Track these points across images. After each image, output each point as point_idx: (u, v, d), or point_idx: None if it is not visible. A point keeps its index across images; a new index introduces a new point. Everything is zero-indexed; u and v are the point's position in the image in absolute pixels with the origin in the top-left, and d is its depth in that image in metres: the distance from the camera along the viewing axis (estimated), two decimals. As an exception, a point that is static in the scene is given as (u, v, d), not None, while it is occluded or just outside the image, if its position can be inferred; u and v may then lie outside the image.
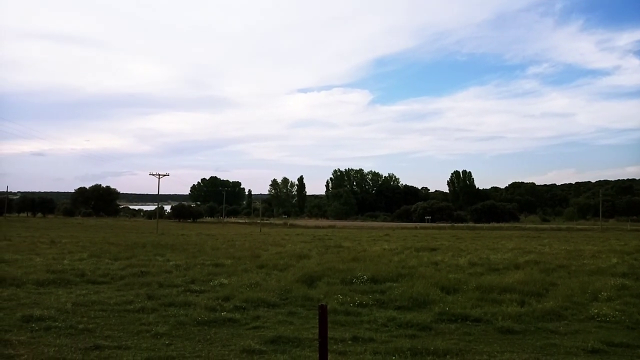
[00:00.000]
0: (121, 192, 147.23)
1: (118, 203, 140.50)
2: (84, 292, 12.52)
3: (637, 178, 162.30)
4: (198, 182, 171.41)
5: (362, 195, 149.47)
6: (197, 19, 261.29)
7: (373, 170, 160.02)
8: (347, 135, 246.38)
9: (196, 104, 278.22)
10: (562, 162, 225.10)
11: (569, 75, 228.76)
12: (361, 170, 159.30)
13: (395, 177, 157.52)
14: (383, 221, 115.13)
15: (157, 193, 66.44)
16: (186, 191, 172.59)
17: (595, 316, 10.00)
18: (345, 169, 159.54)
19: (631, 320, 9.64)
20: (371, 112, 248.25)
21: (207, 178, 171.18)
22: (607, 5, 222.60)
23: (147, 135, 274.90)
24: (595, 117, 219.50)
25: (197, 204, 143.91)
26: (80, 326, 8.78)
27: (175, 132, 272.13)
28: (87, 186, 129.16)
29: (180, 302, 11.04)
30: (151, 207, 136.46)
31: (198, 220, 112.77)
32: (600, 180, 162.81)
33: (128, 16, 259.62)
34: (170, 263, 18.95)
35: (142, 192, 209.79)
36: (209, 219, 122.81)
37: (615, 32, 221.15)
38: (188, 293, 12.45)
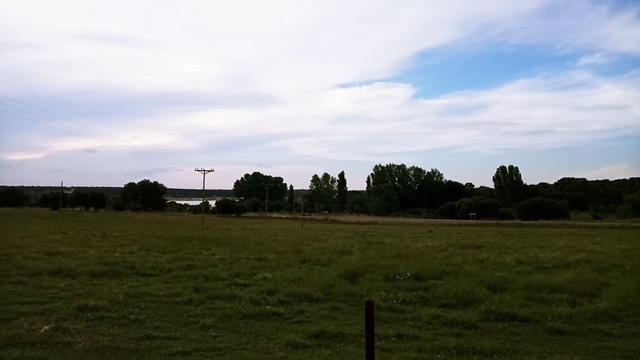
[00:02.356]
0: (168, 187, 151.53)
1: (165, 198, 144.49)
2: (134, 284, 12.99)
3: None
4: (241, 177, 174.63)
5: (404, 191, 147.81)
6: (239, 17, 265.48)
7: (415, 166, 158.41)
8: (388, 130, 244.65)
9: (239, 100, 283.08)
10: (616, 157, 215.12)
11: (624, 66, 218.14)
12: (403, 165, 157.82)
13: (438, 172, 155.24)
14: (426, 218, 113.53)
15: (202, 188, 68.00)
16: (230, 186, 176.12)
17: (653, 319, 9.52)
18: (387, 165, 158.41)
19: (693, 324, 9.12)
20: (414, 107, 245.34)
21: (250, 174, 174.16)
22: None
23: (192, 131, 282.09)
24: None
25: (240, 199, 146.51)
26: (132, 316, 9.13)
27: (219, 128, 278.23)
28: (136, 182, 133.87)
29: (225, 295, 11.27)
30: (197, 202, 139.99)
31: (241, 215, 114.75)
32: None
33: (173, 16, 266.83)
34: (216, 257, 19.35)
35: (188, 188, 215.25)
36: (252, 214, 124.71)
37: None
38: (233, 286, 12.68)
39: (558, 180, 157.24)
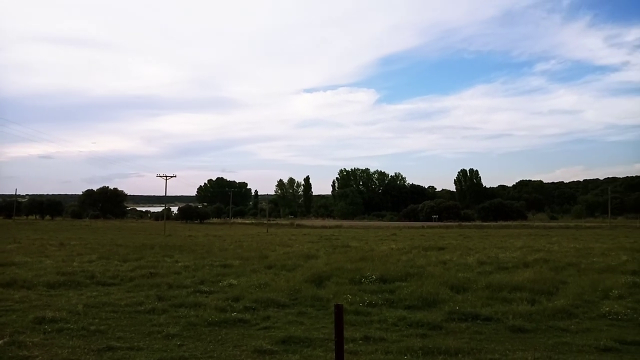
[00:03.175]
0: (128, 193, 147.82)
1: (125, 205, 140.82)
2: (94, 293, 12.59)
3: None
4: (205, 183, 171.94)
5: (369, 194, 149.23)
6: (203, 20, 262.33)
7: (379, 170, 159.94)
8: (353, 134, 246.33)
9: (203, 104, 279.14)
10: (570, 160, 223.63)
11: (577, 72, 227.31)
12: (367, 169, 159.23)
13: (401, 176, 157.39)
14: (390, 220, 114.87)
15: (164, 194, 66.73)
16: (193, 192, 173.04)
17: (607, 314, 9.94)
18: (352, 169, 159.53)
19: (643, 318, 9.57)
20: (377, 111, 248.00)
21: (214, 179, 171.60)
22: (615, 0, 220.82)
23: (154, 136, 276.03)
24: (603, 113, 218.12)
25: (203, 205, 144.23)
26: (92, 327, 8.84)
27: (182, 133, 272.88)
28: (95, 188, 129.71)
29: (190, 303, 11.08)
30: (158, 209, 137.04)
31: (205, 221, 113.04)
32: (608, 178, 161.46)
33: (135, 18, 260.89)
34: (179, 264, 19.00)
35: (149, 194, 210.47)
36: (215, 220, 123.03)
37: (624, 27, 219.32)
38: (198, 294, 12.49)
39: (516, 183, 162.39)
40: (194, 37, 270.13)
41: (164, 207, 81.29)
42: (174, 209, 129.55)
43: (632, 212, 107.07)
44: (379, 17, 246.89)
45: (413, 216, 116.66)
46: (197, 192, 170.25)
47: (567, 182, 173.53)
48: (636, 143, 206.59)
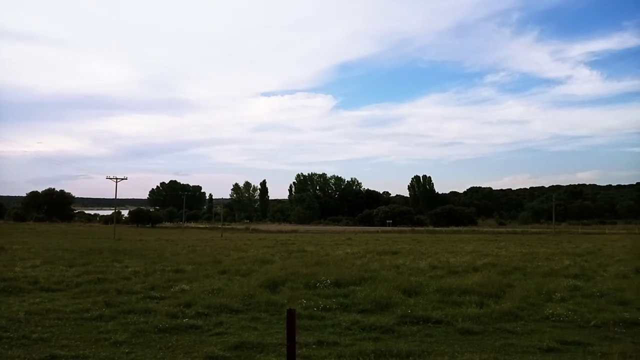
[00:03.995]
0: (76, 196, 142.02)
1: (73, 208, 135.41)
2: (37, 300, 12.05)
3: (587, 183, 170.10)
4: (157, 186, 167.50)
5: (325, 199, 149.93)
6: (158, 18, 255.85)
7: (336, 175, 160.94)
8: (310, 139, 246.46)
9: (156, 105, 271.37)
10: (518, 168, 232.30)
11: (525, 84, 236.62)
12: (324, 174, 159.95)
13: (357, 181, 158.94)
14: (345, 225, 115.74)
15: (114, 197, 64.62)
16: (145, 195, 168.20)
17: (550, 316, 10.38)
18: (309, 174, 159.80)
19: (583, 320, 10.06)
20: (335, 117, 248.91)
21: (167, 182, 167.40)
22: (560, 17, 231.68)
23: (104, 137, 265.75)
24: (548, 124, 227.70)
25: (156, 209, 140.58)
26: (34, 336, 8.45)
27: (134, 134, 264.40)
28: (40, 190, 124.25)
29: (139, 309, 10.79)
30: (108, 212, 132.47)
31: (157, 225, 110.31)
32: (553, 185, 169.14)
33: (86, 14, 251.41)
34: (129, 269, 18.48)
35: (98, 197, 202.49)
36: (168, 224, 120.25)
37: (568, 43, 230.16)
38: (148, 300, 12.20)
39: (467, 189, 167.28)
40: (148, 36, 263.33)
41: (113, 211, 78.64)
42: (125, 213, 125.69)
43: (575, 219, 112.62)
44: (337, 25, 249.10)
45: (368, 221, 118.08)
46: (149, 195, 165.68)
47: (515, 189, 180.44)
48: (578, 153, 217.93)
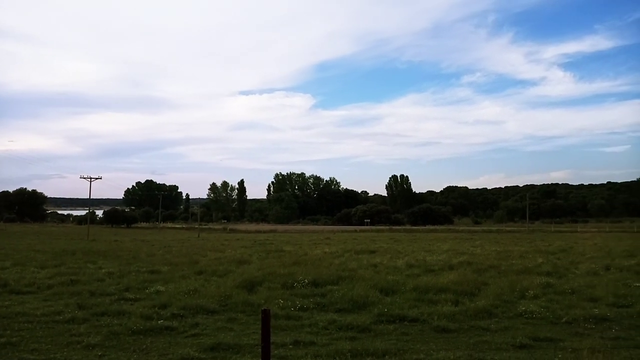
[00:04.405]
0: (49, 196, 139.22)
1: (45, 208, 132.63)
2: (6, 303, 11.72)
3: (560, 183, 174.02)
4: (132, 185, 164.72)
5: (304, 199, 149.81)
6: (133, 15, 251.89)
7: (315, 175, 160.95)
8: (289, 139, 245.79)
9: (132, 104, 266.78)
10: (493, 167, 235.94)
11: (500, 85, 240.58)
12: (303, 174, 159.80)
13: (336, 181, 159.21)
14: (324, 225, 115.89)
15: (88, 197, 63.40)
16: (120, 195, 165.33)
17: (523, 313, 10.57)
18: (287, 173, 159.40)
19: (554, 316, 10.28)
20: (313, 117, 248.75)
21: (143, 182, 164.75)
22: (535, 19, 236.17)
23: (78, 136, 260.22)
24: (523, 124, 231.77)
25: (131, 209, 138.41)
26: (3, 340, 8.23)
27: (109, 133, 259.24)
28: (11, 190, 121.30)
29: (113, 311, 10.61)
30: (82, 212, 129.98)
31: (132, 225, 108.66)
32: (527, 185, 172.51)
33: (59, 9, 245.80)
34: (103, 271, 18.16)
35: (72, 197, 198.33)
36: (144, 224, 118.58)
37: (542, 45, 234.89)
38: (122, 301, 12.02)
39: (443, 189, 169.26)
40: (124, 33, 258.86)
41: (87, 211, 77.14)
42: (99, 213, 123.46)
43: (548, 217, 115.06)
44: (316, 24, 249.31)
45: (346, 220, 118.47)
46: (124, 195, 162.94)
47: (490, 188, 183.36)
48: (551, 153, 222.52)
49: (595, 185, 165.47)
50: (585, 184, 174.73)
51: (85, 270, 18.21)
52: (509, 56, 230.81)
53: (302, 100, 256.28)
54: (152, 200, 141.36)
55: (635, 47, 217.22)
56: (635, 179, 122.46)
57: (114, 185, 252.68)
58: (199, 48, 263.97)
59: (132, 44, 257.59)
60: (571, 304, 11.45)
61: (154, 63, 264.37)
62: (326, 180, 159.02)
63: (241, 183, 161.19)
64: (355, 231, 77.79)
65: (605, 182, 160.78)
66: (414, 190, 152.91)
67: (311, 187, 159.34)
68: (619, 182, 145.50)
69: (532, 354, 7.66)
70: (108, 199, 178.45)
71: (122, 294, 13.08)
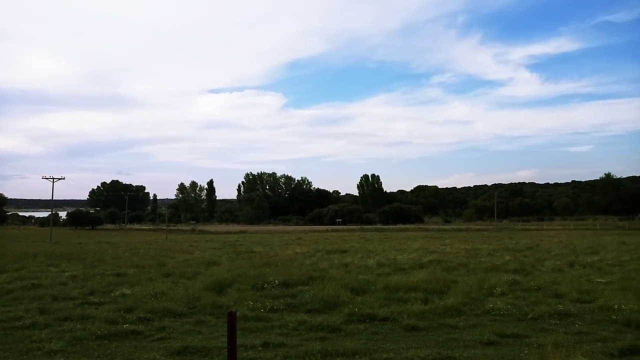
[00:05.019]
0: (9, 197, 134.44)
1: (6, 210, 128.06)
2: (-38, 309, 11.23)
3: (527, 182, 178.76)
4: (98, 186, 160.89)
5: (275, 199, 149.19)
6: (101, 10, 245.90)
7: (286, 174, 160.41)
8: (260, 138, 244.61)
9: (97, 102, 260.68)
10: (462, 167, 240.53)
11: (469, 85, 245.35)
12: (274, 173, 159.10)
13: (308, 180, 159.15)
14: (295, 225, 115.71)
15: (51, 198, 61.56)
16: (84, 196, 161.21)
17: (491, 310, 10.73)
18: (258, 173, 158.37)
19: (521, 313, 10.48)
20: (285, 116, 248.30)
21: (108, 182, 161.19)
22: (503, 21, 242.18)
23: (40, 135, 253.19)
24: (491, 124, 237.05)
25: (96, 210, 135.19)
26: (-43, 348, 7.85)
27: (73, 132, 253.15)
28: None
29: (77, 315, 10.31)
30: (44, 214, 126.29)
31: (98, 227, 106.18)
32: (495, 184, 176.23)
33: (21, 3, 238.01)
34: (66, 274, 17.64)
35: (34, 198, 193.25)
36: (109, 226, 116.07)
37: (510, 46, 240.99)
38: (86, 305, 11.68)
39: (414, 188, 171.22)
40: (90, 29, 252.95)
41: (50, 212, 74.90)
42: (63, 214, 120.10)
43: (515, 216, 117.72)
44: (287, 22, 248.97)
45: (318, 220, 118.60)
46: (89, 196, 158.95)
47: (460, 187, 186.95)
48: (519, 152, 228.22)
49: (561, 184, 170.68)
50: (550, 182, 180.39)
51: (48, 274, 17.68)
52: (477, 57, 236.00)
53: (274, 99, 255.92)
54: (118, 201, 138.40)
55: (598, 49, 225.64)
56: (598, 178, 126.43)
57: (78, 186, 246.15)
58: (167, 45, 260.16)
59: (99, 41, 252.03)
60: (537, 300, 11.70)
61: (120, 60, 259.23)
62: (298, 180, 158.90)
63: (210, 183, 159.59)
64: (327, 231, 77.94)
65: (570, 181, 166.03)
66: (385, 189, 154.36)
67: (282, 187, 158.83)
68: (583, 181, 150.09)
69: (499, 351, 7.77)
70: (72, 200, 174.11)
71: (86, 297, 12.73)
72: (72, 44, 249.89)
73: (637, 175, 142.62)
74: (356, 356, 7.45)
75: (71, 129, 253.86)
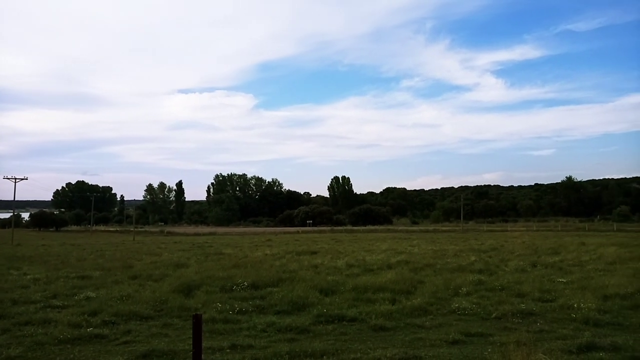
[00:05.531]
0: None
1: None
2: None
3: (492, 184, 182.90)
4: (62, 186, 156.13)
5: (245, 200, 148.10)
6: (66, 7, 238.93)
7: (257, 175, 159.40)
8: (230, 139, 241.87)
9: (62, 100, 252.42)
10: (430, 169, 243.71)
11: (437, 90, 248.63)
12: (244, 175, 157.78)
13: (278, 182, 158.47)
14: (266, 226, 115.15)
15: (13, 199, 59.53)
16: (48, 197, 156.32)
17: (456, 310, 10.97)
18: (228, 174, 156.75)
19: (485, 312, 10.74)
20: (255, 117, 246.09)
21: (73, 182, 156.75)
22: (469, 28, 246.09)
23: (2, 134, 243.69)
24: (458, 128, 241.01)
25: (60, 211, 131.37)
26: None
27: (36, 131, 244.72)
28: None
29: (38, 319, 10.04)
30: (6, 215, 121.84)
31: (62, 229, 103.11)
32: (462, 186, 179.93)
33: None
34: (28, 277, 17.15)
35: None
36: (75, 227, 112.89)
37: (476, 52, 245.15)
38: (48, 309, 11.38)
39: (383, 190, 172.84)
40: (54, 26, 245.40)
41: (12, 214, 72.40)
42: (25, 216, 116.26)
43: (481, 217, 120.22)
44: (259, 23, 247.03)
45: (289, 221, 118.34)
46: (53, 196, 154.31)
47: (427, 189, 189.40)
48: (484, 156, 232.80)
49: (524, 187, 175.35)
50: (515, 185, 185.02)
51: (8, 277, 17.20)
52: (445, 62, 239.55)
53: (244, 100, 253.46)
54: (83, 202, 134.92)
55: (561, 57, 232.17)
56: (560, 181, 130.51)
57: (41, 186, 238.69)
58: (135, 44, 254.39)
59: (63, 38, 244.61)
60: (501, 300, 12.01)
61: (86, 59, 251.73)
62: (268, 182, 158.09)
63: (179, 184, 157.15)
64: (298, 232, 77.86)
65: (533, 184, 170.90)
66: (355, 191, 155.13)
67: (253, 189, 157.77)
68: (545, 183, 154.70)
69: (463, 350, 7.94)
70: (35, 200, 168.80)
71: (49, 301, 12.41)
72: (35, 42, 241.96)
73: (597, 178, 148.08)
74: (324, 357, 7.49)
75: (34, 127, 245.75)
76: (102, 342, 8.55)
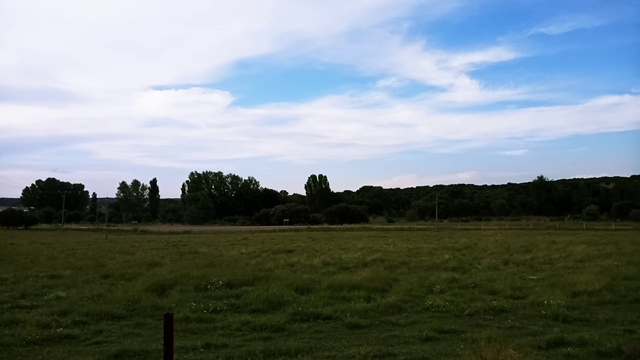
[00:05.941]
0: None
1: None
2: None
3: (466, 183, 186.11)
4: (32, 184, 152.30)
5: (221, 198, 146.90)
6: (36, 1, 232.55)
7: (233, 174, 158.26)
8: (206, 136, 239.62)
9: (32, 96, 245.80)
10: (406, 168, 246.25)
11: (413, 90, 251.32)
12: (220, 173, 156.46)
13: (255, 180, 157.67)
14: (242, 225, 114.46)
15: (-21, 197, 57.75)
16: (17, 194, 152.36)
17: (430, 307, 11.11)
18: (203, 172, 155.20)
19: (458, 309, 10.90)
20: (232, 114, 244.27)
21: (44, 180, 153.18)
22: (445, 29, 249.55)
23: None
24: (433, 128, 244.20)
25: (30, 209, 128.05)
26: None
27: (4, 127, 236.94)
28: None
29: (5, 320, 9.77)
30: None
31: (32, 227, 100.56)
32: (437, 185, 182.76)
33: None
34: (-5, 277, 16.59)
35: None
36: (45, 225, 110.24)
37: (451, 53, 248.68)
38: (16, 310, 11.07)
39: (359, 188, 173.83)
40: (25, 19, 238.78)
41: (-21, 212, 70.28)
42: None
43: (455, 216, 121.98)
44: (236, 21, 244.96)
45: (265, 220, 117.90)
46: (22, 194, 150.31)
47: (403, 188, 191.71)
48: (458, 156, 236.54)
49: (497, 186, 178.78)
50: (488, 184, 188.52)
51: (-27, 277, 16.53)
52: (421, 62, 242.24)
53: (221, 98, 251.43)
54: (54, 200, 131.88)
55: (533, 59, 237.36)
56: (531, 181, 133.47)
57: (10, 184, 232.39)
58: (108, 40, 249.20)
59: (33, 33, 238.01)
60: (473, 297, 12.21)
61: (58, 54, 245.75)
62: (245, 180, 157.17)
63: (154, 182, 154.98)
64: (274, 231, 77.59)
65: (505, 183, 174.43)
66: (331, 189, 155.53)
67: (229, 187, 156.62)
68: (518, 183, 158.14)
69: (436, 347, 8.05)
70: (3, 198, 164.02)
71: (17, 301, 12.07)
72: (6, 36, 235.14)
73: (567, 178, 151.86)
74: (299, 355, 7.50)
75: (2, 123, 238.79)
76: (73, 343, 8.38)
